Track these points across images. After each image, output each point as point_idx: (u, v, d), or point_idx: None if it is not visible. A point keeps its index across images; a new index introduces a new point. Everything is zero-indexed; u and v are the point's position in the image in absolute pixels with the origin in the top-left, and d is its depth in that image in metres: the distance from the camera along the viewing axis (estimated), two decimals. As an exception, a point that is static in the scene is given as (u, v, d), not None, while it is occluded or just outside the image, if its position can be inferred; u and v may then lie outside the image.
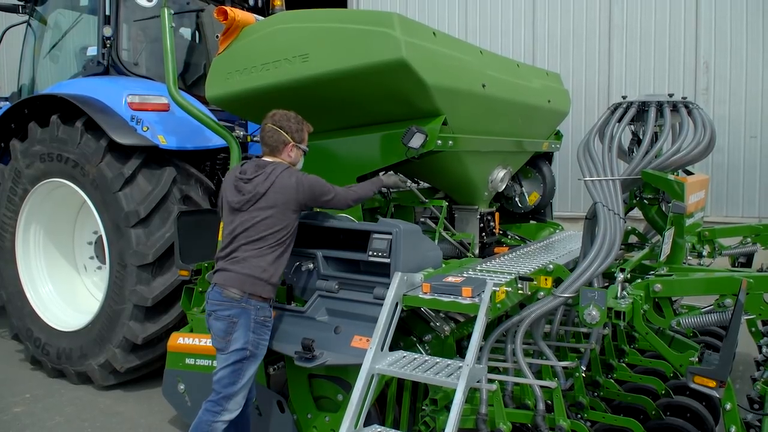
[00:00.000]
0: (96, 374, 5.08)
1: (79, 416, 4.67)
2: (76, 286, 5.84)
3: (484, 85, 4.05)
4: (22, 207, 5.54)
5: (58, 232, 5.79)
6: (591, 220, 3.66)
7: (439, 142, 3.74)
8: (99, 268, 5.73)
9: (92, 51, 5.64)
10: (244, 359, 3.25)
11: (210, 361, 3.81)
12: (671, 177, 3.83)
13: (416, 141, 3.65)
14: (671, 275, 3.54)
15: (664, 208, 4.07)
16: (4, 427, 4.45)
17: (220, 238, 4.33)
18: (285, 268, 3.43)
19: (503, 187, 4.76)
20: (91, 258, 5.81)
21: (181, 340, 3.95)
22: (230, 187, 3.40)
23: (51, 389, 5.21)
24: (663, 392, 3.84)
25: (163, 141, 4.95)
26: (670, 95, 4.21)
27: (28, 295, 5.61)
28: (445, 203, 4.31)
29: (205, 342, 3.91)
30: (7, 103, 6.39)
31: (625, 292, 3.16)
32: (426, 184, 4.89)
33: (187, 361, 3.91)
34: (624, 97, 4.30)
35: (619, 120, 4.14)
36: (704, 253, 4.69)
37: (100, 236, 5.18)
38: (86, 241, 5.82)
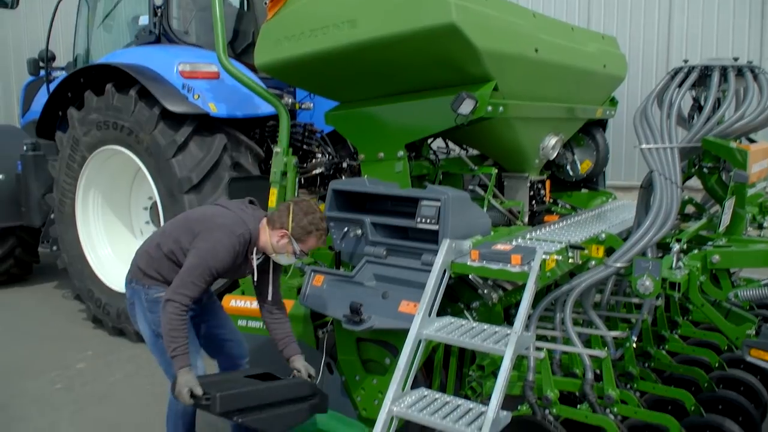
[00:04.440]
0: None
1: (138, 373, 4.87)
2: (133, 249, 5.99)
3: (536, 50, 3.95)
4: (80, 173, 5.73)
5: (116, 198, 5.98)
6: (646, 189, 3.57)
7: (490, 108, 3.68)
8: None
9: (144, 20, 5.74)
10: (157, 341, 3.14)
11: (261, 323, 3.91)
12: (733, 145, 3.68)
13: (466, 107, 3.60)
14: (730, 246, 3.43)
15: (724, 177, 3.93)
16: (68, 383, 4.68)
17: (270, 204, 4.43)
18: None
19: (554, 154, 4.67)
20: (147, 223, 5.99)
21: (233, 302, 4.04)
22: None
23: (112, 347, 5.43)
24: (716, 365, 3.76)
25: (213, 109, 5.02)
26: (735, 59, 4.03)
27: (88, 258, 5.83)
28: (494, 170, 4.26)
29: (255, 304, 4.00)
30: (64, 72, 6.58)
31: (680, 263, 3.08)
32: (475, 151, 4.84)
33: (239, 323, 4.00)
34: (685, 61, 4.13)
35: (680, 85, 3.98)
36: (765, 224, 4.52)
37: (155, 202, 5.32)
38: (142, 207, 5.99)
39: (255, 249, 3.15)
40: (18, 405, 4.31)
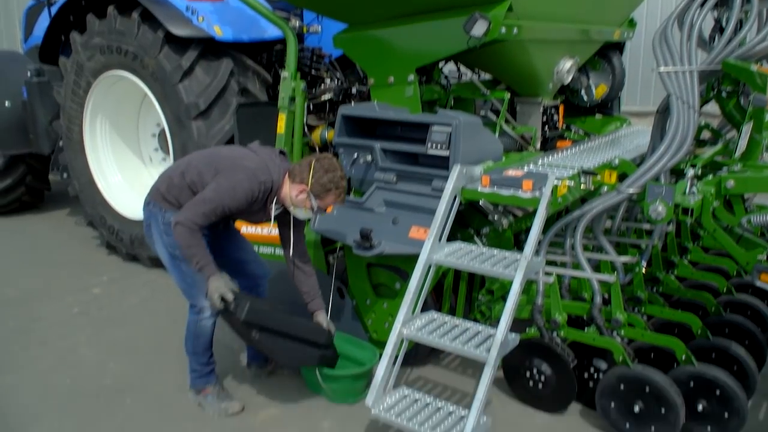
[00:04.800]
0: (165, 260, 5.33)
1: (153, 297, 4.96)
2: (143, 176, 6.04)
3: (553, -33, 3.80)
4: (86, 100, 5.67)
5: (123, 124, 5.94)
6: (662, 113, 3.50)
7: (503, 29, 3.57)
8: (164, 159, 5.89)
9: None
10: (174, 262, 3.20)
11: (273, 249, 3.94)
12: (754, 68, 3.58)
13: (479, 29, 3.49)
14: (745, 172, 3.38)
15: (743, 102, 3.84)
16: (84, 307, 4.78)
17: (279, 130, 4.38)
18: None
19: (569, 78, 4.55)
20: (156, 150, 5.97)
21: (244, 229, 4.06)
22: None
23: (126, 272, 5.52)
24: (725, 290, 3.78)
25: (219, 32, 4.90)
26: (759, -21, 3.87)
27: (99, 185, 5.85)
28: (506, 95, 4.18)
29: (267, 231, 4.02)
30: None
31: (694, 189, 3.05)
32: (487, 75, 4.73)
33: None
34: (708, -19, 3.97)
35: (701, 5, 3.84)
36: (782, 150, 4.46)
37: (163, 129, 5.28)
38: (150, 133, 5.96)
39: (275, 199, 3.17)
40: (37, 329, 4.42)
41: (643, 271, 3.55)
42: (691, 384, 2.97)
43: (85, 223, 6.28)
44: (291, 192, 3.14)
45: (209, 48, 4.94)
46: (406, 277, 3.43)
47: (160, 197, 3.19)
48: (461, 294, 3.69)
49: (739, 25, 3.79)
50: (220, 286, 2.99)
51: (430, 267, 3.04)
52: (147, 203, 3.26)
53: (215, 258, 3.08)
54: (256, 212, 3.20)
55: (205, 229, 3.06)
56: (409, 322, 2.99)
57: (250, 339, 3.15)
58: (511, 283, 2.81)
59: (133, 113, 5.95)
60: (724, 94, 3.88)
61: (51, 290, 5.11)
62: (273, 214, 3.19)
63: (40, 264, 5.76)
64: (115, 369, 3.85)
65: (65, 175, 6.25)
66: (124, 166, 5.99)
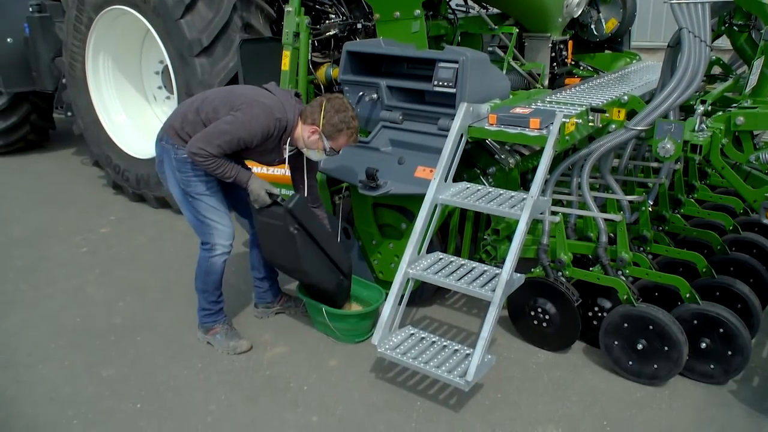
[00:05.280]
0: (173, 199, 5.34)
1: (161, 237, 5.01)
2: (147, 115, 6.00)
3: None
4: (88, 35, 5.57)
5: (126, 62, 5.85)
6: (673, 47, 3.42)
7: (513, -40, 3.46)
8: (168, 97, 5.83)
9: None
10: (186, 199, 3.23)
11: (279, 189, 3.93)
12: (767, 1, 3.47)
13: (487, -40, 3.39)
14: (755, 108, 3.33)
15: (754, 36, 3.75)
16: (93, 247, 4.83)
17: (284, 67, 4.31)
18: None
19: (579, 12, 4.45)
20: (159, 88, 5.90)
21: (256, 170, 4.03)
22: None
23: (133, 212, 5.56)
24: (731, 228, 3.78)
25: (221, -35, 4.77)
26: None
27: (103, 124, 5.82)
28: (515, 30, 4.08)
29: (273, 171, 4.01)
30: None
31: (703, 125, 3.01)
32: (495, 10, 4.61)
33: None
34: None
35: (717, -66, 3.70)
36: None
37: (166, 66, 5.20)
38: (153, 71, 5.87)
39: (289, 139, 3.15)
40: (46, 268, 4.48)
41: (650, 209, 3.54)
42: (695, 322, 3.00)
43: (91, 162, 6.28)
44: (303, 133, 3.14)
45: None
46: (411, 217, 3.44)
47: (173, 133, 3.16)
48: (467, 234, 3.70)
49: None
50: (264, 183, 3.13)
51: (435, 207, 3.04)
52: (160, 139, 3.23)
53: (227, 198, 3.14)
54: (270, 152, 3.19)
55: (199, 168, 3.10)
56: (415, 262, 3.01)
57: (291, 232, 3.18)
58: (517, 222, 2.81)
59: (135, 50, 5.85)
60: (735, 28, 3.79)
61: (58, 230, 5.16)
62: (287, 154, 3.19)
63: (46, 204, 5.80)
64: (125, 308, 3.92)
65: (69, 113, 6.22)
66: (128, 105, 5.93)
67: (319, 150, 3.17)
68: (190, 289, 3.43)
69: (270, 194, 3.13)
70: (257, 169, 3.85)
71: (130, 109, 5.93)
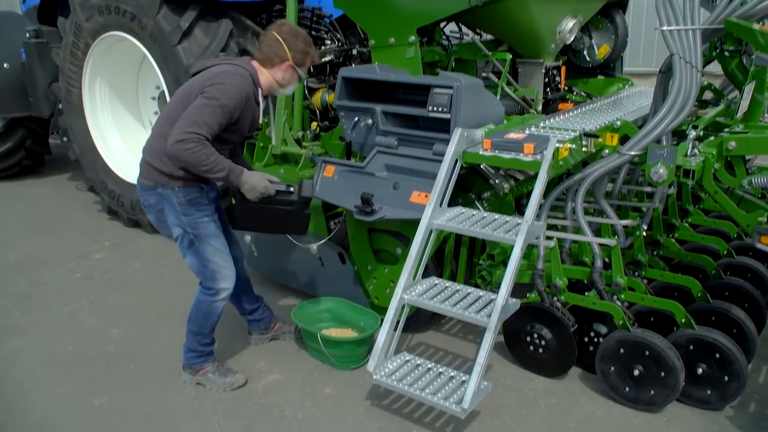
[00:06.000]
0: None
1: (155, 262, 4.99)
2: (143, 140, 5.95)
3: (556, -77, 3.71)
4: (85, 61, 5.60)
5: (123, 87, 5.88)
6: (665, 73, 3.45)
7: (505, -12, 3.51)
8: (163, 123, 5.84)
9: None
10: (192, 243, 3.10)
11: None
12: (756, 27, 3.52)
13: (481, -12, 3.43)
14: (747, 132, 3.36)
15: (745, 61, 3.79)
16: (87, 272, 4.81)
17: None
18: None
19: (572, 38, 4.49)
20: (156, 113, 5.92)
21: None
22: None
23: (128, 237, 5.54)
24: (725, 252, 3.79)
25: (218, -8, 4.82)
26: (765, -67, 3.77)
27: (99, 149, 5.83)
28: (508, 56, 4.12)
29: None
30: (62, -47, 6.28)
31: (696, 150, 3.03)
32: (489, 36, 4.66)
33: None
34: (713, -64, 3.87)
35: (705, -38, 3.76)
36: (784, 110, 4.41)
37: (163, 91, 5.23)
38: (150, 96, 5.90)
39: (260, 91, 3.10)
40: (39, 294, 4.46)
41: (644, 234, 3.55)
42: (691, 347, 2.99)
43: (86, 187, 6.28)
44: (275, 76, 3.10)
45: (208, 8, 4.86)
46: (407, 242, 3.44)
47: (166, 178, 2.99)
48: (462, 259, 3.70)
49: (744, -19, 3.72)
50: (262, 174, 3.11)
51: (431, 232, 3.04)
52: (151, 188, 3.06)
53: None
54: (249, 118, 3.08)
55: (204, 208, 3.07)
56: (411, 287, 3.00)
57: (295, 213, 3.23)
58: (512, 247, 2.81)
59: (132, 76, 5.88)
60: (726, 54, 3.82)
61: (53, 255, 5.14)
62: (261, 109, 3.13)
63: (41, 229, 5.78)
64: (118, 335, 3.89)
65: (65, 139, 6.22)
66: (124, 130, 5.95)
67: (294, 82, 3.19)
68: (184, 316, 3.39)
69: (272, 182, 3.13)
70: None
71: (126, 134, 5.94)
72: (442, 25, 4.49)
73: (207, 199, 3.13)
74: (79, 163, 6.13)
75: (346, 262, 3.76)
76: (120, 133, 5.93)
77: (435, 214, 3.04)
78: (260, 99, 3.10)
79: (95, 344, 3.77)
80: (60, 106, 6.16)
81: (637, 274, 3.54)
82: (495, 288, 3.25)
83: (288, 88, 3.21)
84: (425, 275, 3.14)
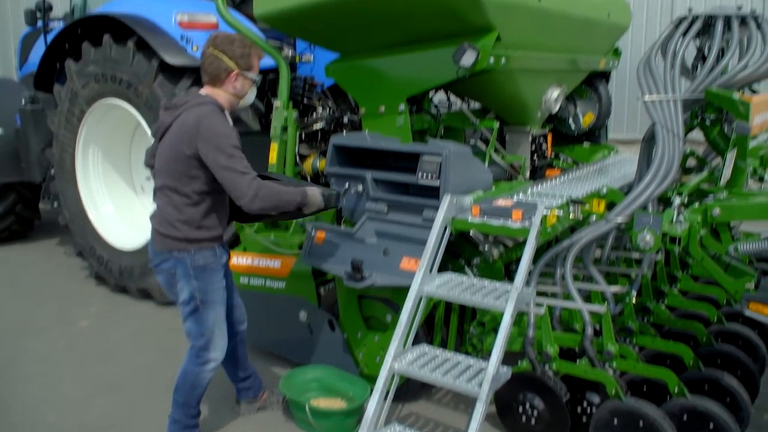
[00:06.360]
0: (156, 291, 5.29)
1: (142, 330, 4.91)
2: (134, 206, 6.02)
3: (539, -2, 3.86)
4: (80, 127, 5.67)
5: (116, 153, 5.93)
6: (648, 141, 3.53)
7: (492, 59, 3.61)
8: (155, 188, 5.87)
9: (142, -32, 5.58)
10: (197, 309, 3.07)
11: (263, 281, 3.93)
12: (736, 96, 3.63)
13: (468, 59, 3.53)
14: (731, 199, 3.41)
15: (726, 129, 3.88)
16: (71, 341, 4.72)
17: (271, 160, 4.39)
18: (212, 221, 3.06)
19: (557, 107, 4.60)
20: (148, 179, 5.95)
21: (235, 259, 4.05)
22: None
23: (115, 304, 5.47)
24: (715, 319, 3.78)
25: (212, 61, 4.92)
26: (739, 8, 3.95)
27: (89, 215, 5.82)
28: (496, 124, 4.21)
29: (257, 262, 4.01)
30: (61, 23, 6.45)
31: (681, 217, 3.07)
32: (477, 105, 4.77)
33: (242, 280, 4.03)
34: (689, 10, 4.04)
35: (684, 34, 3.91)
36: (766, 177, 4.49)
37: (155, 157, 5.27)
38: (143, 162, 5.94)
39: (227, 113, 3.10)
40: (21, 363, 4.36)
41: (634, 301, 3.55)
42: (685, 417, 2.95)
43: (75, 253, 6.24)
44: (229, 91, 3.06)
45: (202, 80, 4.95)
46: (397, 309, 3.41)
47: (183, 243, 3.00)
48: (452, 326, 3.67)
49: (721, 53, 3.86)
50: (316, 189, 3.18)
51: (421, 299, 3.03)
52: (166, 251, 3.05)
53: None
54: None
55: (216, 273, 3.10)
56: (401, 355, 2.96)
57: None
58: (502, 314, 2.80)
59: (126, 142, 5.95)
60: (707, 122, 3.92)
61: (36, 323, 5.05)
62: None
63: (26, 295, 5.70)
64: (101, 406, 3.78)
65: (56, 204, 6.22)
66: (116, 196, 5.97)
67: (250, 88, 3.13)
68: (169, 386, 3.32)
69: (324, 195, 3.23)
70: (237, 259, 3.87)
71: (118, 199, 5.96)
72: (430, 94, 4.60)
73: (219, 264, 3.14)
74: (68, 228, 6.11)
75: (335, 329, 3.73)
76: (111, 198, 5.95)
77: (425, 281, 3.03)
78: (230, 120, 3.11)
79: (77, 416, 3.67)
80: (52, 171, 6.18)
81: (628, 341, 3.52)
82: (486, 356, 3.21)
83: (247, 97, 3.16)
84: (415, 342, 3.11)
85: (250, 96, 3.19)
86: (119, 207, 5.94)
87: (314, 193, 3.18)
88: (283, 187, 3.03)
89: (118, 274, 5.58)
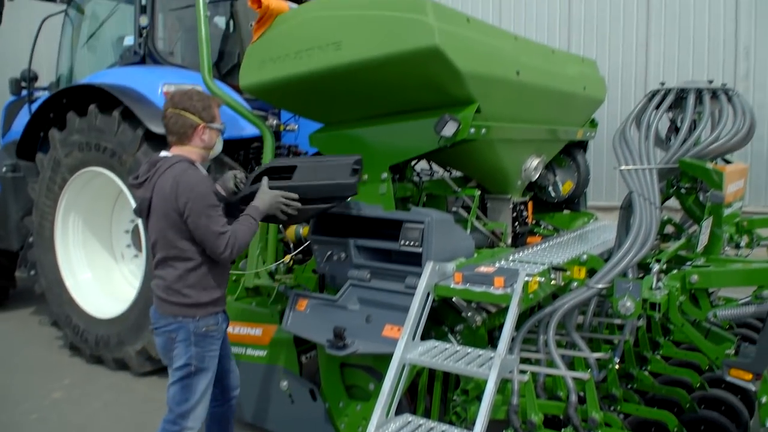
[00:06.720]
0: (133, 361, 5.19)
1: (117, 401, 4.78)
2: (113, 273, 5.96)
3: (518, 72, 4.00)
4: (60, 196, 5.67)
5: (96, 221, 5.91)
6: (626, 209, 3.60)
7: (473, 130, 3.70)
8: (136, 256, 5.84)
9: (129, 41, 5.73)
10: (190, 375, 3.06)
11: (244, 349, 3.88)
12: (709, 166, 3.74)
13: (449, 129, 3.62)
14: (708, 266, 3.46)
15: (701, 198, 3.97)
16: (44, 413, 4.57)
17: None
18: (216, 280, 3.11)
19: (537, 176, 4.70)
20: (128, 246, 5.92)
21: (233, 330, 3.98)
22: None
23: (89, 375, 5.33)
24: (698, 385, 3.78)
25: (197, 131, 5.00)
26: (710, 81, 4.11)
27: (67, 283, 5.74)
28: (477, 192, 4.27)
29: (238, 330, 3.96)
30: (46, 92, 6.53)
31: (660, 283, 3.10)
32: (458, 173, 4.85)
33: (235, 350, 3.95)
34: (662, 84, 4.20)
35: (657, 107, 4.05)
36: (742, 243, 4.57)
37: (137, 225, 5.27)
38: (123, 230, 5.93)
39: (200, 167, 3.13)
40: (-8, 435, 4.22)
41: (617, 367, 3.54)
42: (672, 485, 2.90)
43: (50, 322, 6.11)
44: (198, 145, 3.11)
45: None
46: (380, 377, 3.37)
47: (189, 309, 3.02)
48: (436, 394, 3.62)
49: (693, 125, 3.99)
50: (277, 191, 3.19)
51: (404, 367, 3.00)
52: (171, 316, 3.05)
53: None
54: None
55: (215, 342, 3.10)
56: (384, 425, 2.90)
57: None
58: (485, 382, 2.78)
59: (107, 210, 5.94)
60: (683, 191, 4.01)
61: (8, 395, 4.90)
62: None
63: (-2, 366, 5.56)
64: (74, 479, 3.65)
65: (33, 272, 6.14)
66: (95, 263, 5.91)
67: (217, 137, 3.19)
68: (145, 458, 3.23)
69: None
70: (234, 329, 3.83)
71: (97, 267, 5.90)
72: (413, 162, 4.68)
73: (219, 332, 3.17)
74: (44, 297, 6.01)
75: (317, 398, 3.66)
76: (90, 266, 5.89)
77: (408, 348, 3.01)
78: (203, 170, 3.15)
79: (47, 491, 3.53)
80: (31, 239, 6.13)
81: (612, 408, 3.49)
82: (470, 425, 3.15)
83: (216, 147, 3.23)
84: (399, 412, 3.05)
85: (219, 146, 3.27)
86: (98, 275, 5.87)
87: (255, 204, 3.14)
88: (244, 226, 3.05)
89: (93, 343, 5.46)
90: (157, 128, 4.88)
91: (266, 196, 3.17)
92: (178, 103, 3.07)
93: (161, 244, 3.05)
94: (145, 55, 5.52)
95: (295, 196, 3.23)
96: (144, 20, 5.44)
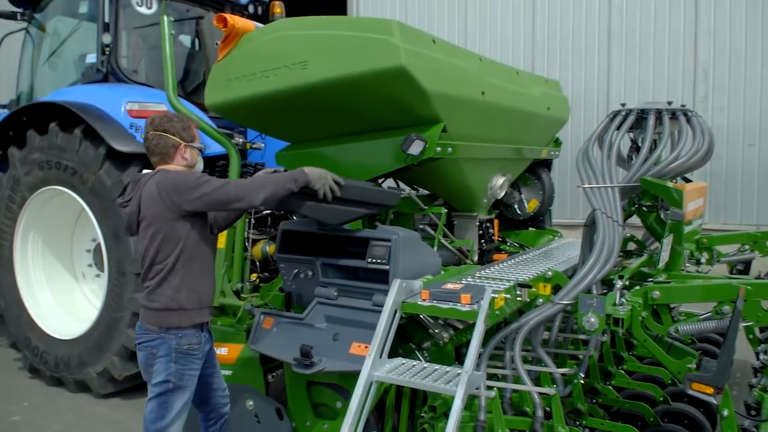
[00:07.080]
0: (94, 382, 5.07)
1: (77, 424, 4.66)
2: (74, 294, 5.83)
3: (483, 93, 4.06)
4: (20, 215, 5.55)
5: (57, 240, 5.79)
6: (590, 227, 3.66)
7: (438, 149, 3.74)
8: (97, 275, 5.73)
9: (91, 58, 5.66)
10: (167, 392, 3.04)
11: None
12: (670, 184, 3.84)
13: (415, 148, 3.65)
14: (669, 282, 3.54)
15: (662, 216, 4.06)
16: (1, 436, 4.44)
17: (219, 245, 4.36)
18: (204, 287, 3.15)
19: (502, 194, 4.77)
20: (90, 266, 5.80)
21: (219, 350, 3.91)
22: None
23: (49, 397, 5.20)
24: (661, 399, 3.84)
25: (161, 148, 4.95)
26: (669, 103, 4.23)
27: (26, 304, 5.60)
28: (444, 210, 4.31)
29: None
30: (6, 110, 6.40)
31: (623, 299, 3.16)
32: (425, 191, 4.89)
33: (224, 373, 3.88)
34: (623, 105, 4.31)
35: (618, 127, 4.14)
36: (702, 260, 4.69)
37: (99, 244, 5.18)
38: (85, 249, 5.81)
39: None
40: (-54, 461, 4.07)
41: (582, 382, 3.58)
42: (636, 499, 2.93)
43: (8, 344, 5.94)
44: (180, 164, 3.17)
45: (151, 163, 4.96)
46: (347, 395, 3.35)
47: (178, 319, 3.03)
48: (404, 412, 3.61)
49: (654, 145, 4.09)
50: (323, 170, 3.24)
51: (371, 384, 2.99)
52: (155, 330, 3.05)
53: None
54: None
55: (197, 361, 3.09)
56: (351, 443, 2.89)
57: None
58: (453, 398, 2.78)
59: (67, 229, 5.82)
60: (644, 209, 4.10)
61: (-35, 418, 4.75)
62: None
63: (-46, 390, 5.37)
64: (32, 506, 3.54)
65: (-9, 294, 5.97)
66: (55, 283, 5.78)
67: (198, 156, 3.28)
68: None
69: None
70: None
71: (57, 288, 5.76)
72: (380, 181, 4.71)
73: (201, 352, 3.15)
74: (2, 318, 5.85)
75: (283, 417, 3.61)
76: (50, 286, 5.76)
77: (375, 366, 3.00)
78: None
79: None
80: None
81: (578, 423, 3.53)
82: (438, 442, 3.15)
83: (197, 166, 3.31)
84: (366, 430, 3.03)
85: (200, 164, 3.33)
86: (58, 295, 5.74)
87: (317, 171, 3.23)
88: (275, 174, 3.18)
89: (54, 365, 5.32)
90: (120, 146, 4.83)
91: (317, 168, 3.25)
92: (159, 125, 3.14)
93: (148, 250, 3.06)
94: (107, 72, 5.47)
95: (343, 181, 3.32)
96: (107, 38, 5.39)
